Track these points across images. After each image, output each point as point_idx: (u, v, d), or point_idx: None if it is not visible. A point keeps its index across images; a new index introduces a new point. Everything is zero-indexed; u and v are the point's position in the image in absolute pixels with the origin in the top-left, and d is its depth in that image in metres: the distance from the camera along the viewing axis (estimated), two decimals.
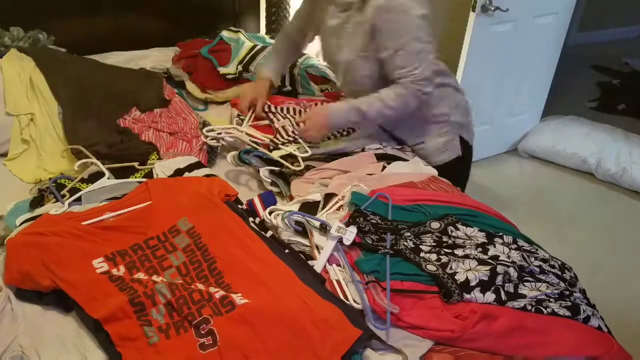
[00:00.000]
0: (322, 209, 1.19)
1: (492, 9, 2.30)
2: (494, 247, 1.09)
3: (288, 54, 1.75)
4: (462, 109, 1.59)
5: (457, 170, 1.58)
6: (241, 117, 1.63)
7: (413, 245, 1.07)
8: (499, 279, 1.00)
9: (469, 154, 1.66)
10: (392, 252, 1.03)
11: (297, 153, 1.40)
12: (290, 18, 1.56)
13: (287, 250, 1.07)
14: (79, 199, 1.17)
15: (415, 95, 1.36)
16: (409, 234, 1.10)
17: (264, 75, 1.67)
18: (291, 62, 1.84)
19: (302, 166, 1.35)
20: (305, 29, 1.66)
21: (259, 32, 2.47)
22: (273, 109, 1.62)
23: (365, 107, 1.38)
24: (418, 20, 1.32)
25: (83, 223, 1.06)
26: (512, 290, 1.00)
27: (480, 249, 1.08)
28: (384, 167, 1.41)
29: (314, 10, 1.57)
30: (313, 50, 2.14)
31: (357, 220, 1.09)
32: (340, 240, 1.05)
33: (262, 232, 1.11)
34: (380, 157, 1.44)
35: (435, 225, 1.13)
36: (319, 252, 1.06)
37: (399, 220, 1.14)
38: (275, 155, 1.39)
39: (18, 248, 0.98)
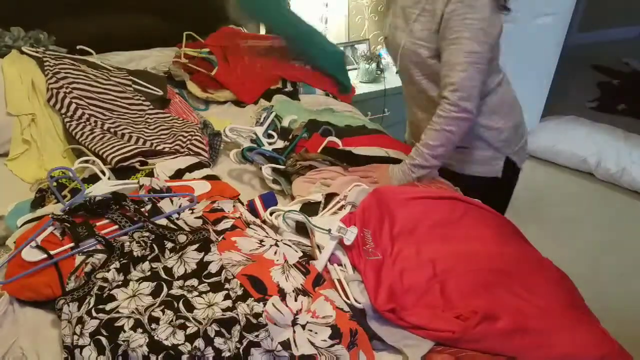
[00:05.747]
0: (323, 209, 1.19)
1: None
2: None
3: None
4: (518, 125, 1.49)
5: (487, 190, 1.43)
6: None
7: None
8: None
9: (513, 178, 1.53)
10: None
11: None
12: None
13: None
14: None
15: (456, 118, 1.26)
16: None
17: None
18: None
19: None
20: None
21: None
22: None
23: (419, 160, 1.30)
24: (483, 23, 1.22)
25: None
26: None
27: None
28: None
29: None
30: None
31: None
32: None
33: None
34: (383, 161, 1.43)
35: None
36: (320, 252, 1.06)
37: None
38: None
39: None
